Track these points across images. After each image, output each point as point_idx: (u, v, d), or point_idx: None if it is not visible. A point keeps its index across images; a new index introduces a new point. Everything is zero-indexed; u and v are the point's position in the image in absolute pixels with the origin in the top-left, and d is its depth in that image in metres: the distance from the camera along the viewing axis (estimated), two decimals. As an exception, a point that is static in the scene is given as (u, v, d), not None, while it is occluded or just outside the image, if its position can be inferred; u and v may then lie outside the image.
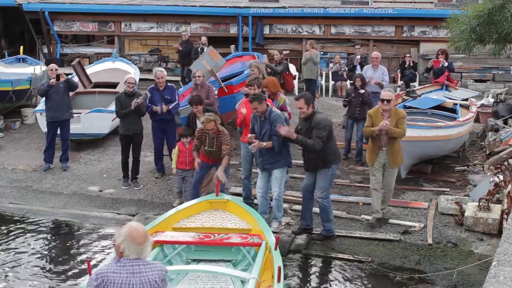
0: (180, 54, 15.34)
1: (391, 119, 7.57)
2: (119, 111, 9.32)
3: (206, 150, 7.91)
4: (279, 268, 5.38)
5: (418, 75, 15.90)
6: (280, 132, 7.19)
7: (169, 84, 9.75)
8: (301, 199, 8.05)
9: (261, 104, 7.36)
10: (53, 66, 10.31)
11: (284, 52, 14.99)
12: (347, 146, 10.62)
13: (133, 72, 13.39)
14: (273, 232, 7.50)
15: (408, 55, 15.73)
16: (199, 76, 9.85)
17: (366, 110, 9.72)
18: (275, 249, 5.94)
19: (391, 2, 19.23)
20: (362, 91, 10.27)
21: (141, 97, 9.19)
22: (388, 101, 7.62)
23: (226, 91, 10.61)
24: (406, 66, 15.29)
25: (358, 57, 13.56)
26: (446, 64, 12.85)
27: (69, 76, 12.85)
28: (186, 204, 7.20)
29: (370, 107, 9.84)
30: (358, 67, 12.99)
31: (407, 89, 12.76)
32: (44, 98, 10.18)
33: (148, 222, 6.98)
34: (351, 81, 12.61)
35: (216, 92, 10.46)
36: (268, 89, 8.49)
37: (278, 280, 5.29)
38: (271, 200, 7.94)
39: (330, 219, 7.64)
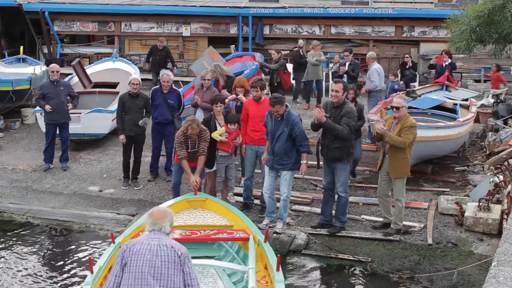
0: (157, 61, 14.49)
1: (397, 126, 7.36)
2: (120, 115, 9.20)
3: (189, 153, 7.74)
4: (279, 257, 5.55)
5: (418, 75, 15.90)
6: (314, 114, 7.35)
7: (174, 88, 9.71)
8: (299, 199, 8.08)
9: (282, 106, 7.38)
10: (54, 67, 10.23)
11: (284, 52, 14.99)
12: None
13: (133, 72, 13.41)
14: (277, 233, 7.60)
15: (407, 55, 15.73)
16: (208, 79, 9.62)
17: (360, 125, 9.02)
18: (265, 241, 6.14)
19: (391, 2, 19.23)
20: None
21: (145, 120, 9.21)
22: (397, 108, 7.37)
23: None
24: (407, 66, 15.29)
25: (347, 64, 12.21)
26: (450, 61, 12.93)
27: (69, 77, 12.97)
28: (165, 204, 7.26)
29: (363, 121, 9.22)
30: (345, 76, 11.88)
31: (407, 89, 12.77)
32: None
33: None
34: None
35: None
36: (244, 87, 8.90)
37: (277, 269, 5.46)
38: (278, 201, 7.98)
39: (346, 213, 7.92)
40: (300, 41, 15.48)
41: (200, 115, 9.35)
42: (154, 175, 9.79)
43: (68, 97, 10.21)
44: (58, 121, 10.01)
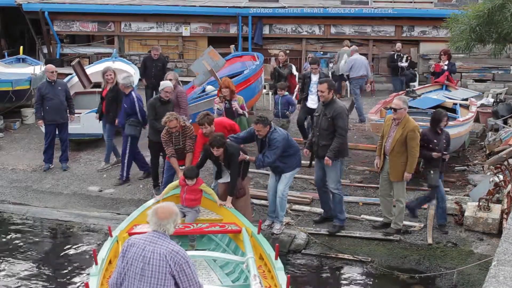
0: (152, 74, 12.83)
1: (398, 129, 7.33)
2: (152, 121, 8.80)
3: (176, 150, 7.97)
4: (277, 246, 5.80)
5: (418, 75, 15.90)
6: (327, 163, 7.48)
7: (132, 93, 9.42)
8: (299, 199, 8.10)
9: (265, 127, 7.36)
10: (51, 67, 10.18)
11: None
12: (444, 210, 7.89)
13: (133, 73, 13.39)
14: (275, 234, 7.63)
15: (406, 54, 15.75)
16: (170, 79, 9.45)
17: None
18: (258, 233, 6.37)
19: (391, 2, 19.22)
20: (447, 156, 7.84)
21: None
22: (395, 110, 7.31)
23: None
24: (403, 60, 15.23)
25: (315, 77, 10.21)
26: (446, 67, 12.89)
27: (69, 77, 12.97)
28: (156, 199, 7.42)
29: None
30: (315, 95, 9.94)
31: (407, 89, 12.76)
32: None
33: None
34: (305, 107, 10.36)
35: (215, 92, 10.42)
36: (230, 88, 8.90)
37: (276, 258, 5.70)
38: None
39: (343, 210, 7.88)
40: (398, 45, 15.26)
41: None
42: (145, 174, 9.75)
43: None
44: (58, 121, 10.00)
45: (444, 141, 7.72)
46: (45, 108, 9.93)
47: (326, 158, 7.43)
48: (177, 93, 9.39)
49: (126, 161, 9.52)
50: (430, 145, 7.57)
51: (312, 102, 10.28)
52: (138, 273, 3.86)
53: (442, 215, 7.81)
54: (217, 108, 8.98)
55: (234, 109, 8.91)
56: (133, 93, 9.45)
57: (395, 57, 14.55)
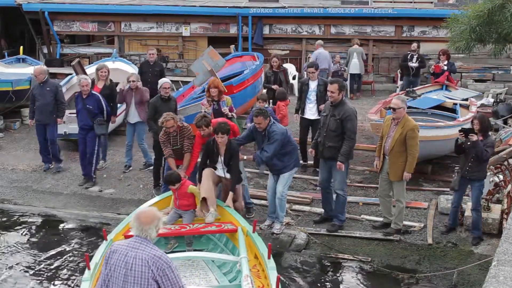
0: (149, 79, 11.36)
1: (398, 128, 7.36)
2: (150, 122, 8.92)
3: (174, 150, 7.98)
4: (269, 245, 5.81)
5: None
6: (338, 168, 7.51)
7: (93, 93, 9.44)
8: (299, 199, 8.10)
9: (266, 119, 7.39)
10: (36, 71, 9.96)
11: (283, 52, 14.87)
12: (455, 214, 7.81)
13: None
14: (275, 234, 7.63)
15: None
16: (133, 81, 9.67)
17: (484, 166, 7.49)
18: (253, 232, 6.38)
19: (391, 2, 19.21)
20: (474, 138, 7.28)
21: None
22: (394, 109, 7.34)
23: (226, 91, 10.58)
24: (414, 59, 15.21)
25: (314, 84, 9.53)
26: (446, 68, 12.88)
27: (69, 77, 12.97)
28: (151, 201, 7.44)
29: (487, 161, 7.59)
30: (314, 103, 9.54)
31: (407, 89, 12.76)
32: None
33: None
34: (302, 116, 9.72)
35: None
36: (218, 88, 8.88)
37: (269, 257, 5.72)
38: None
39: (344, 211, 7.95)
40: (414, 45, 14.93)
41: (134, 114, 9.69)
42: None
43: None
44: (44, 121, 9.86)
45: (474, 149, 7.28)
46: (34, 108, 9.87)
47: (338, 163, 7.45)
48: (142, 92, 9.71)
49: (94, 160, 9.52)
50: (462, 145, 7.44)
51: (311, 112, 9.58)
52: (121, 280, 3.85)
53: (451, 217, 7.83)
54: (205, 111, 8.84)
55: (225, 114, 8.83)
56: (95, 92, 9.49)
57: (408, 57, 14.54)
